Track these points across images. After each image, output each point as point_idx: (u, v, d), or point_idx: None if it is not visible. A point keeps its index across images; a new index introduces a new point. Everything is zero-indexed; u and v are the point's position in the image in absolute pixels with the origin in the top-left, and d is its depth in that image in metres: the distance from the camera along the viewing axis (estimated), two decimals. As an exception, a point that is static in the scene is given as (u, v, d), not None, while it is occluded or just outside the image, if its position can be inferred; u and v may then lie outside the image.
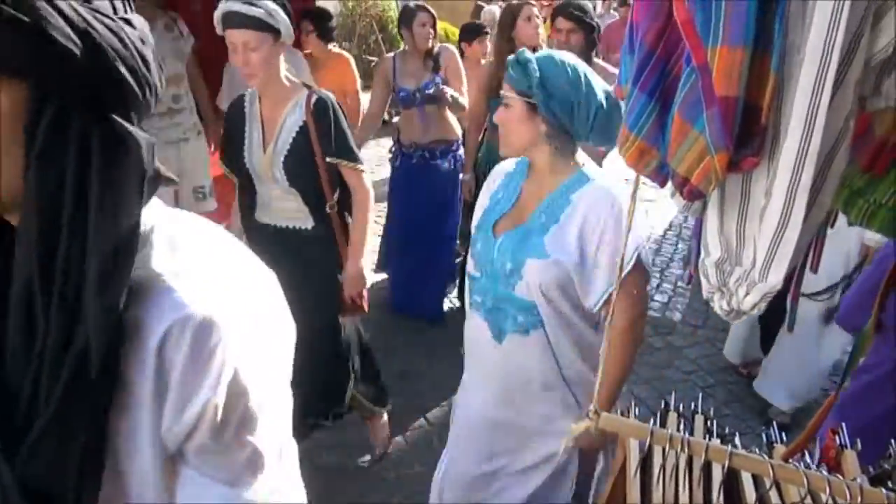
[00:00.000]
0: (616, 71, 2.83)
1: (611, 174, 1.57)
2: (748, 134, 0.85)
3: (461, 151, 3.49)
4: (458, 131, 3.52)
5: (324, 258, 2.21)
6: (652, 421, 1.32)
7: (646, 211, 5.57)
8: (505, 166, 1.70)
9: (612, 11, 8.06)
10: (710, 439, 1.30)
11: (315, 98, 2.05)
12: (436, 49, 3.34)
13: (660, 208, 5.64)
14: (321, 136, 2.04)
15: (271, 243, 2.20)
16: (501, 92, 1.48)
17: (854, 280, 2.41)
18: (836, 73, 0.77)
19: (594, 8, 7.69)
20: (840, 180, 0.86)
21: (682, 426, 1.35)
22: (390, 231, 3.78)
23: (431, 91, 3.24)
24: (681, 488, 1.23)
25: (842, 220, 2.42)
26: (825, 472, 1.17)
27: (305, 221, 2.17)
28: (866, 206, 0.95)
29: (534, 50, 3.10)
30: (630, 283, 1.43)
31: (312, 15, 3.78)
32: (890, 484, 1.17)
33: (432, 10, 3.39)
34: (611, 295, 1.34)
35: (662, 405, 1.43)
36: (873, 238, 2.31)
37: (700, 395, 1.78)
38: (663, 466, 1.25)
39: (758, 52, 0.82)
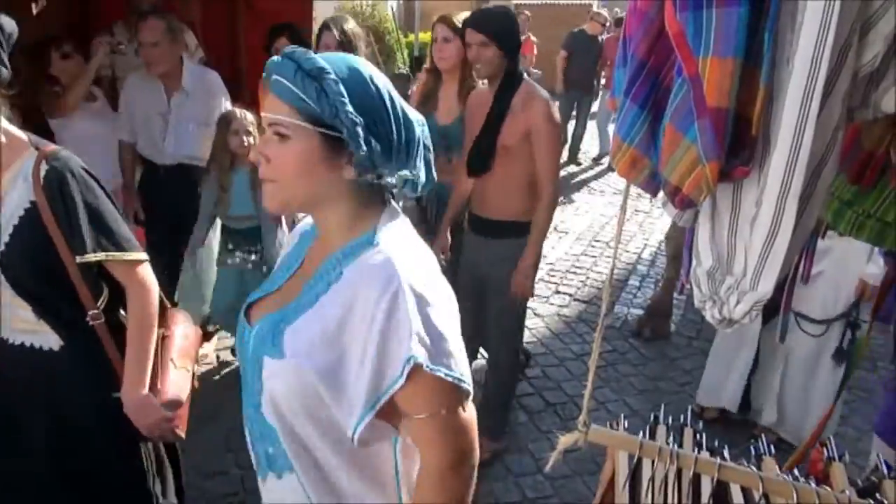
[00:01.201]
0: (544, 94, 2.29)
1: (409, 236, 0.99)
2: (739, 144, 0.86)
3: None
4: None
5: (82, 391, 1.51)
6: (641, 433, 1.32)
7: (640, 223, 5.60)
8: (308, 222, 1.12)
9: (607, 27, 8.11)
10: (699, 451, 1.30)
11: (46, 167, 1.36)
12: None
13: (654, 220, 5.66)
14: (62, 222, 1.37)
15: (6, 366, 1.50)
16: (277, 118, 0.90)
17: (852, 318, 2.40)
18: (825, 85, 0.78)
19: (607, 24, 7.73)
20: (829, 192, 0.87)
21: (671, 438, 1.35)
22: None
23: None
24: (670, 501, 1.22)
25: (837, 256, 2.38)
26: (814, 485, 1.17)
27: (47, 339, 1.46)
28: (854, 216, 0.96)
29: (464, 79, 2.64)
30: (421, 402, 0.91)
31: (288, 30, 3.17)
32: (878, 496, 1.17)
33: (338, 31, 2.79)
34: (378, 418, 0.91)
35: (652, 417, 1.43)
36: (872, 274, 2.29)
37: (690, 407, 1.78)
38: (652, 479, 1.24)
39: (748, 65, 0.83)
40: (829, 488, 1.16)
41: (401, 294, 0.87)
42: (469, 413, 0.96)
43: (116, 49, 2.97)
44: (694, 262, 1.04)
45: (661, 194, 1.12)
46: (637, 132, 1.04)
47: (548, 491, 2.44)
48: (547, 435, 2.75)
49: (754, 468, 1.23)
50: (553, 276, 4.47)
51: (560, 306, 4.02)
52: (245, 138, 2.72)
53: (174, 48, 2.81)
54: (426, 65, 2.92)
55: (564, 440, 1.35)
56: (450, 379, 0.90)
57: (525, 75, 2.39)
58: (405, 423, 0.95)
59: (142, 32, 2.72)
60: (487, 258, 2.41)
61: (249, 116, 2.75)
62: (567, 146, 7.45)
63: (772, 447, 1.38)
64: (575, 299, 4.14)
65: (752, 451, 1.38)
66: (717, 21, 0.85)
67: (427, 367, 0.87)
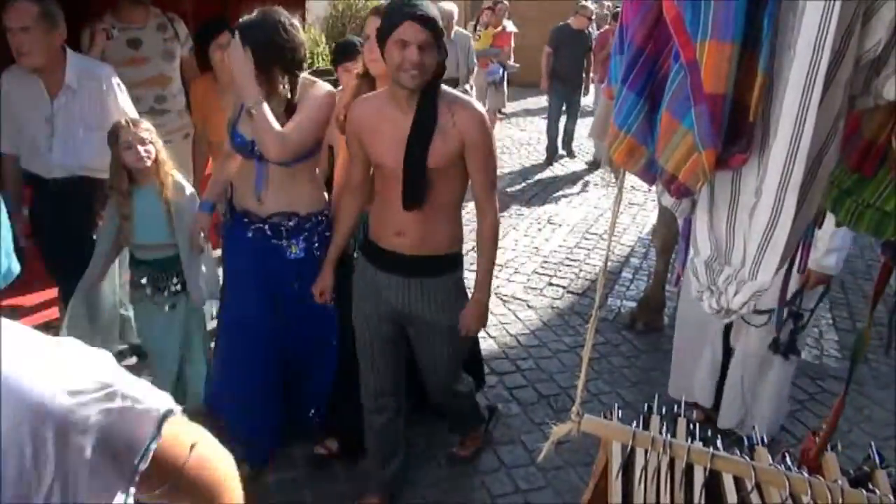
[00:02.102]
0: (471, 99, 1.91)
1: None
2: (736, 131, 0.85)
3: (323, 229, 2.25)
4: (321, 201, 2.26)
5: None
6: (634, 424, 1.32)
7: (633, 216, 5.61)
8: None
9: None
10: (692, 442, 1.30)
11: None
12: (305, 90, 2.13)
13: (647, 212, 5.66)
14: None
15: None
16: None
17: (796, 306, 2.27)
18: (827, 72, 0.77)
19: (593, 17, 7.65)
20: (829, 180, 0.86)
21: (664, 429, 1.35)
22: (219, 344, 2.42)
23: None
24: (662, 491, 1.22)
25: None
26: (806, 475, 1.17)
27: None
28: (854, 206, 0.95)
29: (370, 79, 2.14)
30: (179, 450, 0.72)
31: (226, 27, 2.72)
32: (870, 485, 1.17)
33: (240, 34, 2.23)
34: None
35: (645, 408, 1.43)
36: (816, 261, 2.19)
37: (683, 397, 1.79)
38: (645, 469, 1.24)
39: (746, 51, 0.82)
40: (821, 478, 1.17)
41: (58, 412, 0.61)
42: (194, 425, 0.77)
43: (110, 35, 2.88)
44: (692, 252, 1.03)
45: (657, 186, 1.12)
46: (634, 120, 1.03)
47: (540, 482, 2.44)
48: (540, 426, 2.75)
49: (747, 458, 1.23)
50: (546, 268, 4.47)
51: (553, 298, 4.02)
52: (140, 149, 2.23)
53: (50, 37, 2.35)
54: (358, 69, 2.28)
55: (558, 430, 1.34)
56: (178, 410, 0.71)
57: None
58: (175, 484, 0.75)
59: (7, 15, 2.30)
60: (417, 301, 1.94)
61: (144, 123, 2.32)
62: (561, 141, 7.42)
63: (764, 438, 1.39)
64: (568, 291, 4.14)
65: (745, 441, 1.38)
66: (715, 5, 0.84)
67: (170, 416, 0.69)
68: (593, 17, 7.38)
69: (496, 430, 2.70)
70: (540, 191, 6.34)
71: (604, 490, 1.32)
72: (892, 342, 1.18)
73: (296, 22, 2.07)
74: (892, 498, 1.10)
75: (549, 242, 4.94)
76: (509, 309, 3.83)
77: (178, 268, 2.38)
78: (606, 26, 7.57)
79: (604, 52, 6.74)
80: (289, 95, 2.11)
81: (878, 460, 1.24)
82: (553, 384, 3.10)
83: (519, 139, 8.42)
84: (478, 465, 2.52)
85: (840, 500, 1.08)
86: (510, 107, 10.20)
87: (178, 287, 2.42)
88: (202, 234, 2.37)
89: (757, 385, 2.54)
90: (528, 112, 10.11)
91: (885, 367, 3.20)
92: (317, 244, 2.23)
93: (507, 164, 7.25)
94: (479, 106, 1.88)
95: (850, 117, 0.88)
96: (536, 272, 4.37)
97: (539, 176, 6.86)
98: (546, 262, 4.57)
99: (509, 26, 7.94)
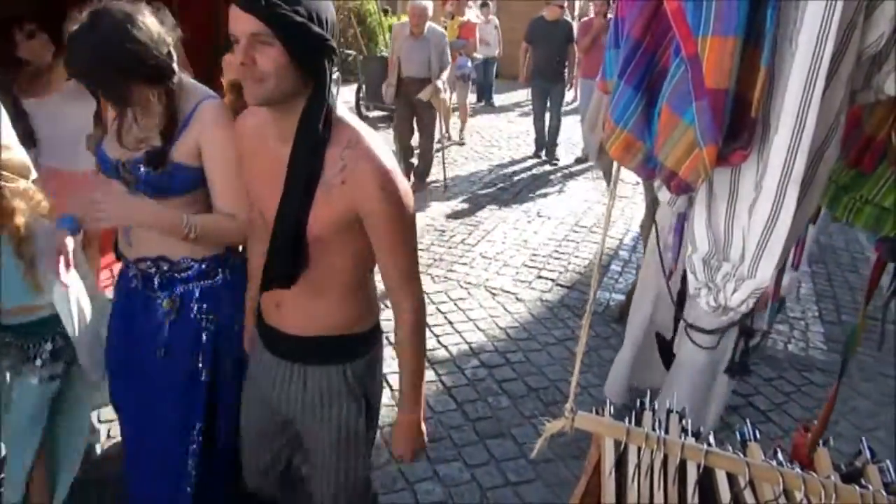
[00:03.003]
0: (373, 144, 1.24)
1: None
2: (738, 127, 0.84)
3: (210, 282, 1.67)
4: (207, 245, 1.63)
5: None
6: (627, 419, 1.31)
7: (622, 209, 5.62)
8: None
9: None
10: (685, 438, 1.30)
11: None
12: (190, 102, 1.56)
13: (635, 205, 5.68)
14: None
15: None
16: None
17: (746, 325, 2.06)
18: (830, 66, 0.76)
19: (564, 6, 7.56)
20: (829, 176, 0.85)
21: (657, 425, 1.34)
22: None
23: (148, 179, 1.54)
24: (656, 487, 1.22)
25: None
26: (799, 470, 1.17)
27: None
28: (852, 202, 0.95)
29: (238, 90, 1.52)
30: None
31: None
32: (863, 481, 1.18)
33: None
34: None
35: (638, 404, 1.42)
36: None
37: (675, 393, 1.79)
38: (638, 465, 1.24)
39: (749, 44, 0.81)
40: (814, 473, 1.17)
41: None
42: None
43: None
44: (689, 249, 1.02)
45: (656, 181, 1.10)
46: (631, 115, 1.01)
47: (530, 475, 2.44)
48: (530, 419, 2.75)
49: (740, 454, 1.23)
50: (535, 261, 4.47)
51: (542, 291, 4.02)
52: None
53: None
54: (227, 76, 1.71)
55: (551, 426, 1.33)
56: None
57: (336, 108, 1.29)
58: None
59: None
60: (297, 398, 1.43)
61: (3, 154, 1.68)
62: (548, 141, 7.39)
63: (757, 433, 1.39)
64: (557, 284, 4.14)
65: (738, 437, 1.38)
66: (717, -1, 0.83)
67: None
68: (565, 5, 7.26)
69: (486, 423, 2.70)
70: (529, 183, 6.34)
71: (596, 486, 1.32)
72: (885, 337, 1.18)
73: (145, 17, 1.45)
74: (884, 493, 1.10)
75: (538, 235, 4.95)
76: (498, 302, 3.83)
77: (55, 330, 1.84)
78: (591, 14, 7.48)
79: (586, 38, 6.58)
80: (166, 111, 1.52)
81: (869, 455, 1.24)
82: (542, 377, 3.10)
83: (508, 132, 8.41)
84: (468, 458, 2.51)
85: (833, 496, 1.08)
86: (499, 99, 10.19)
87: (49, 355, 1.88)
88: (64, 261, 1.62)
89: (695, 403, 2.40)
90: (518, 105, 10.10)
91: (871, 359, 3.24)
92: (196, 303, 1.63)
93: (496, 157, 7.24)
94: (383, 157, 1.23)
95: (850, 113, 0.88)
96: (525, 265, 4.37)
97: (528, 169, 6.86)
98: (535, 254, 4.57)
99: (472, 17, 7.91)
